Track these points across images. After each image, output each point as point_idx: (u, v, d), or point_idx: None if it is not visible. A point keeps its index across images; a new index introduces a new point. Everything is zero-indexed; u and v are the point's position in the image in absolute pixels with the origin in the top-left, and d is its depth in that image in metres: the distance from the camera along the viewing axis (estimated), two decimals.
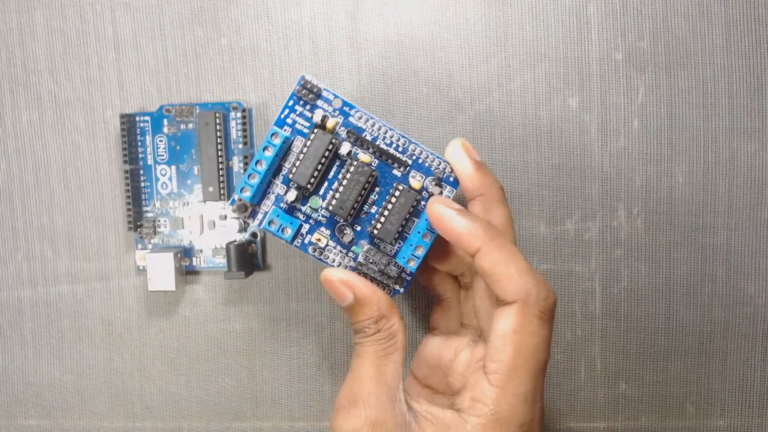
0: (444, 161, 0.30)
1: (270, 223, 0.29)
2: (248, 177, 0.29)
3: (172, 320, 0.38)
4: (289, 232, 0.29)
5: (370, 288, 0.29)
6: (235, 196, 0.29)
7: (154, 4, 0.37)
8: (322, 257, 0.30)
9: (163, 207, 0.37)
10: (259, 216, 0.30)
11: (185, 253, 0.37)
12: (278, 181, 0.30)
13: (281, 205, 0.30)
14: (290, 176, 0.29)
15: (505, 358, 0.26)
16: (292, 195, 0.29)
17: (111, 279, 0.38)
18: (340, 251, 0.30)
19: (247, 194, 0.29)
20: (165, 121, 0.36)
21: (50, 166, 0.38)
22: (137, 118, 0.36)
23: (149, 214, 0.37)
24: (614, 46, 0.35)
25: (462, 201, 0.31)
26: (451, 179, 0.30)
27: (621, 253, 0.36)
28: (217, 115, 0.35)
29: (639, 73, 0.35)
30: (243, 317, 0.37)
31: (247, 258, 0.36)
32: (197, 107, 0.36)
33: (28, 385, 0.39)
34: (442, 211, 0.27)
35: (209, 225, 0.37)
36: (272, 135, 0.29)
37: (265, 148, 0.29)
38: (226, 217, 0.36)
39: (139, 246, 0.37)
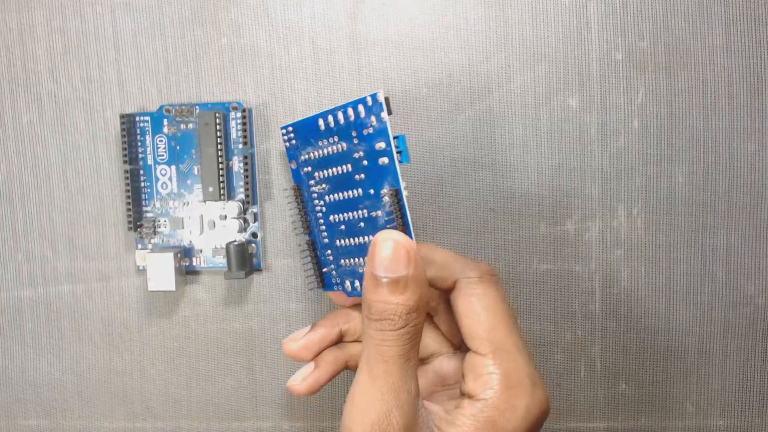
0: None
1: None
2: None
3: (172, 320, 0.38)
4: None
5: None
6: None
7: (154, 4, 0.36)
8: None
9: (163, 207, 0.37)
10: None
11: (185, 253, 0.37)
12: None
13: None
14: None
15: (477, 325, 0.27)
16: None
17: (111, 279, 0.38)
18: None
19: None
20: (165, 121, 0.36)
21: (50, 166, 0.38)
22: (137, 118, 0.36)
23: (149, 214, 0.37)
24: (614, 46, 0.35)
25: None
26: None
27: (621, 253, 0.36)
28: (217, 115, 0.35)
29: (639, 73, 0.35)
30: (243, 317, 0.37)
31: (247, 258, 0.36)
32: (197, 107, 0.36)
33: (28, 385, 0.39)
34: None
35: (209, 225, 0.37)
36: None
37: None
38: (226, 217, 0.36)
39: (139, 246, 0.37)
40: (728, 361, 0.36)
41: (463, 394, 0.27)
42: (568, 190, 0.36)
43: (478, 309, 0.27)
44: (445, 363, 0.31)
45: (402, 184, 0.27)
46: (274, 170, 0.36)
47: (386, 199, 0.28)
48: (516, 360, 0.27)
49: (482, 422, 0.25)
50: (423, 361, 0.31)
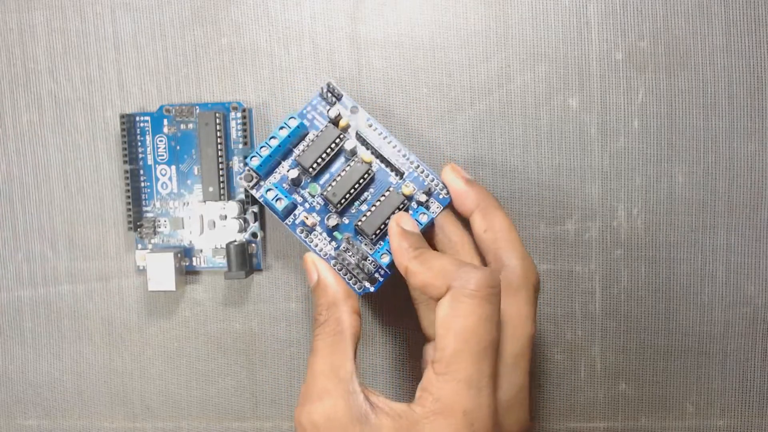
0: (438, 177, 0.32)
1: (268, 191, 0.32)
2: (260, 149, 0.31)
3: (172, 320, 0.38)
4: (282, 203, 0.31)
5: (333, 276, 0.31)
6: (245, 166, 0.32)
7: (154, 4, 0.37)
8: (307, 239, 0.32)
9: (163, 207, 0.37)
10: (262, 188, 0.32)
11: (185, 253, 0.37)
12: (286, 163, 0.32)
13: (283, 185, 0.32)
14: (297, 158, 0.32)
15: (446, 344, 0.26)
16: (294, 173, 0.32)
17: (111, 279, 0.38)
18: (325, 237, 0.32)
19: (256, 163, 0.31)
20: (165, 121, 0.36)
21: (50, 166, 0.38)
22: (137, 118, 0.36)
23: (149, 214, 0.37)
24: (614, 46, 0.35)
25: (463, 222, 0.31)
26: (441, 196, 0.32)
27: (621, 253, 0.36)
28: (217, 115, 0.35)
29: (639, 73, 0.35)
30: (243, 317, 0.37)
31: (247, 258, 0.36)
32: (197, 107, 0.36)
33: (28, 385, 0.39)
34: (392, 225, 0.30)
35: (209, 225, 0.37)
36: (290, 119, 0.31)
37: (281, 128, 0.31)
38: (226, 217, 0.36)
39: (139, 246, 0.37)
40: (728, 361, 0.36)
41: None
42: (568, 190, 0.36)
43: (454, 326, 0.26)
44: None
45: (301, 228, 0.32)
46: None
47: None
48: (460, 394, 0.26)
49: (396, 428, 0.27)
50: None
